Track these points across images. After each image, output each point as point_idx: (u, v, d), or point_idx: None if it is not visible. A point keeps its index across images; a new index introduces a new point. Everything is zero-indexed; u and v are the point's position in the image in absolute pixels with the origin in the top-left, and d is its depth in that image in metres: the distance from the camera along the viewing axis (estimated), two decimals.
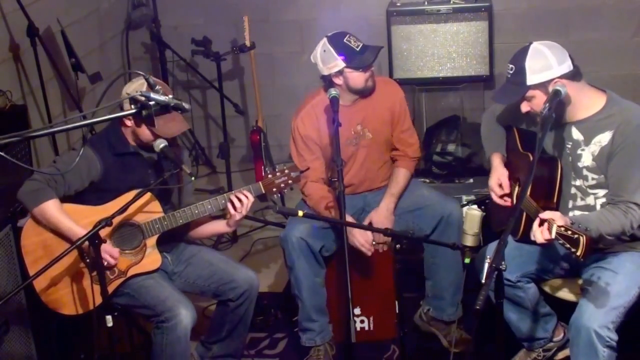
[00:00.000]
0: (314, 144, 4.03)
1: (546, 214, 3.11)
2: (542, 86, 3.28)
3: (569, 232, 2.97)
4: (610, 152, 3.31)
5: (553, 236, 3.01)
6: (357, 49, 3.88)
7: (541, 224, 3.08)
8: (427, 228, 4.02)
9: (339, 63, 3.87)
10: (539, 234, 3.09)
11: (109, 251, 3.48)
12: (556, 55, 3.29)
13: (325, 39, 3.92)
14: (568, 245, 2.97)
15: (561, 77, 3.27)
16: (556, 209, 3.40)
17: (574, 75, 3.31)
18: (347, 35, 3.90)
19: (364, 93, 3.99)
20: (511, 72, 3.35)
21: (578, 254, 2.94)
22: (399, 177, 4.10)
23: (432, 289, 4.16)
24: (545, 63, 3.27)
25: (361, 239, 3.91)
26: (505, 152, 3.76)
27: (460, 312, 4.13)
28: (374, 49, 3.93)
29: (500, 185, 3.64)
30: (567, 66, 3.29)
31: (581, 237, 2.93)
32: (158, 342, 3.57)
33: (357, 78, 3.92)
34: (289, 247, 3.94)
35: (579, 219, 3.18)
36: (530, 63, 3.28)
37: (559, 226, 3.00)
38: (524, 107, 3.37)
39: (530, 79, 3.28)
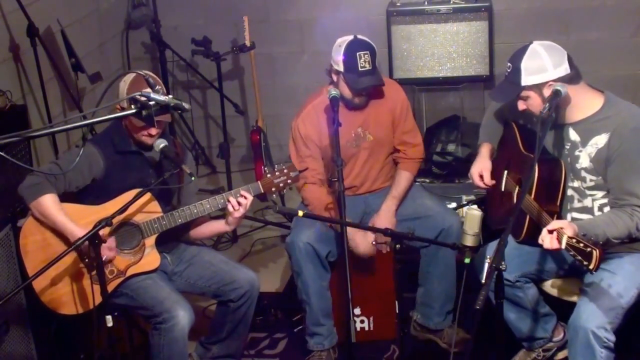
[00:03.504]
0: (313, 144, 4.03)
1: (553, 225, 3.08)
2: (537, 88, 3.30)
3: (581, 245, 2.93)
4: (608, 155, 3.31)
5: (563, 246, 2.99)
6: (359, 69, 3.84)
7: (550, 232, 3.07)
8: None
9: (340, 65, 3.88)
10: (548, 241, 3.07)
11: (106, 245, 3.46)
12: (553, 58, 3.30)
13: (350, 37, 3.90)
14: (580, 258, 2.94)
15: (556, 80, 3.28)
16: (559, 212, 3.40)
17: (571, 79, 3.30)
18: (364, 52, 3.84)
19: (350, 105, 3.97)
20: (509, 70, 3.37)
21: (591, 267, 2.91)
22: (401, 180, 4.09)
23: (423, 297, 4.17)
24: (541, 65, 3.29)
25: (362, 249, 3.96)
26: (496, 145, 3.79)
27: (448, 322, 4.13)
28: (371, 80, 3.86)
29: (481, 177, 3.69)
30: (563, 69, 3.29)
31: (594, 251, 2.90)
32: (155, 343, 3.57)
33: (345, 90, 3.91)
34: (295, 253, 3.94)
35: (586, 226, 3.16)
36: (526, 64, 3.29)
37: (570, 237, 2.98)
38: (521, 106, 3.39)
39: (525, 80, 3.30)
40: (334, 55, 3.91)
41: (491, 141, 3.80)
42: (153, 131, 3.54)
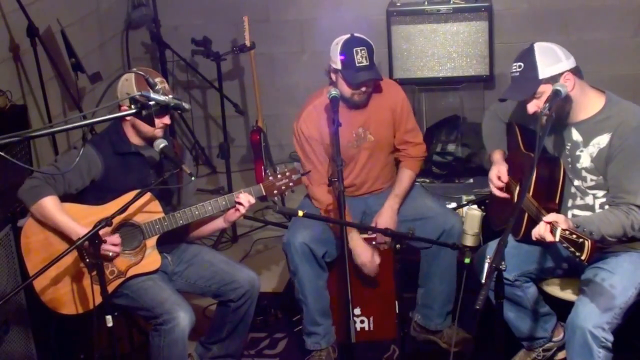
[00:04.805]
0: (318, 144, 4.02)
1: (550, 217, 3.09)
2: (554, 80, 3.29)
3: (574, 236, 2.95)
4: (609, 154, 3.31)
5: (557, 239, 3.00)
6: (357, 64, 3.83)
7: (547, 223, 3.08)
8: None
9: (337, 63, 3.88)
10: (542, 232, 3.08)
11: (110, 240, 3.45)
12: (562, 50, 3.34)
13: (347, 36, 3.90)
14: (572, 249, 2.95)
15: (571, 70, 3.30)
16: (558, 210, 3.40)
17: (577, 71, 3.34)
18: (361, 48, 3.84)
19: (349, 104, 3.96)
20: (520, 69, 3.34)
21: (583, 258, 2.92)
22: (403, 178, 4.09)
23: (423, 298, 4.17)
24: (555, 57, 3.31)
25: (364, 259, 3.95)
26: (506, 149, 3.77)
27: (447, 323, 4.14)
28: (369, 74, 3.85)
29: (499, 178, 3.65)
30: (572, 61, 3.33)
31: (586, 242, 2.92)
32: (155, 344, 3.57)
33: (344, 87, 3.90)
34: (292, 252, 3.94)
35: (581, 221, 3.17)
36: (540, 58, 3.30)
37: (563, 229, 2.99)
38: (532, 108, 3.34)
39: (543, 72, 3.28)
40: (332, 54, 3.91)
41: (500, 147, 3.79)
42: (167, 120, 3.53)
